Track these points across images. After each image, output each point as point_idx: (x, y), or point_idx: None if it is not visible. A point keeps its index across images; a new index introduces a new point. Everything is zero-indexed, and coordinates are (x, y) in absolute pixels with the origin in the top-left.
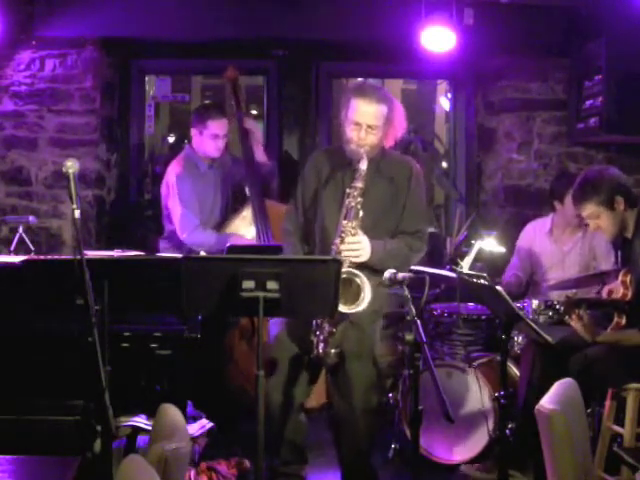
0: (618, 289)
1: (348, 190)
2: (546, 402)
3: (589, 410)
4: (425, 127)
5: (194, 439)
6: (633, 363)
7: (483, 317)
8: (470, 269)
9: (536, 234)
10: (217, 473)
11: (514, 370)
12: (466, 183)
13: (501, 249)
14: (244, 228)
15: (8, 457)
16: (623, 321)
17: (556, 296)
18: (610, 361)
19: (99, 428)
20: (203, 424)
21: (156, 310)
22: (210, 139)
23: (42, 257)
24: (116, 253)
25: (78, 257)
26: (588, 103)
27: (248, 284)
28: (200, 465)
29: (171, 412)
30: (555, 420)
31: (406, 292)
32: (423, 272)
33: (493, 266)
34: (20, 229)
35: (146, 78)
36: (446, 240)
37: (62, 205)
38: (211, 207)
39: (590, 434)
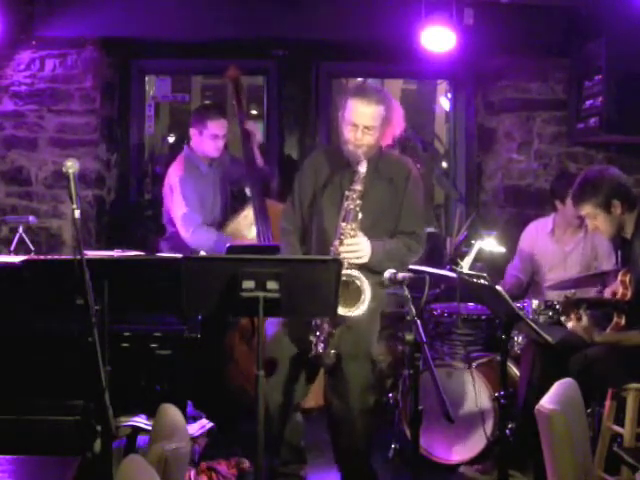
0: (619, 290)
1: (347, 192)
2: (546, 402)
3: (589, 410)
4: (425, 127)
5: (194, 439)
6: (633, 363)
7: (483, 317)
8: (470, 269)
9: (538, 234)
10: (217, 473)
11: (514, 370)
12: (466, 183)
13: (501, 249)
14: (246, 228)
15: (8, 457)
16: (622, 321)
17: (556, 296)
18: (610, 361)
19: (99, 428)
20: (203, 424)
21: (156, 310)
22: (210, 139)
23: (42, 257)
24: (116, 253)
25: (78, 257)
26: (588, 103)
27: (248, 284)
28: (200, 465)
29: (171, 412)
30: (555, 420)
31: (406, 292)
32: (423, 272)
33: (493, 266)
34: (20, 229)
35: (146, 78)
36: (446, 240)
37: (62, 205)
38: (211, 206)
39: (590, 434)
